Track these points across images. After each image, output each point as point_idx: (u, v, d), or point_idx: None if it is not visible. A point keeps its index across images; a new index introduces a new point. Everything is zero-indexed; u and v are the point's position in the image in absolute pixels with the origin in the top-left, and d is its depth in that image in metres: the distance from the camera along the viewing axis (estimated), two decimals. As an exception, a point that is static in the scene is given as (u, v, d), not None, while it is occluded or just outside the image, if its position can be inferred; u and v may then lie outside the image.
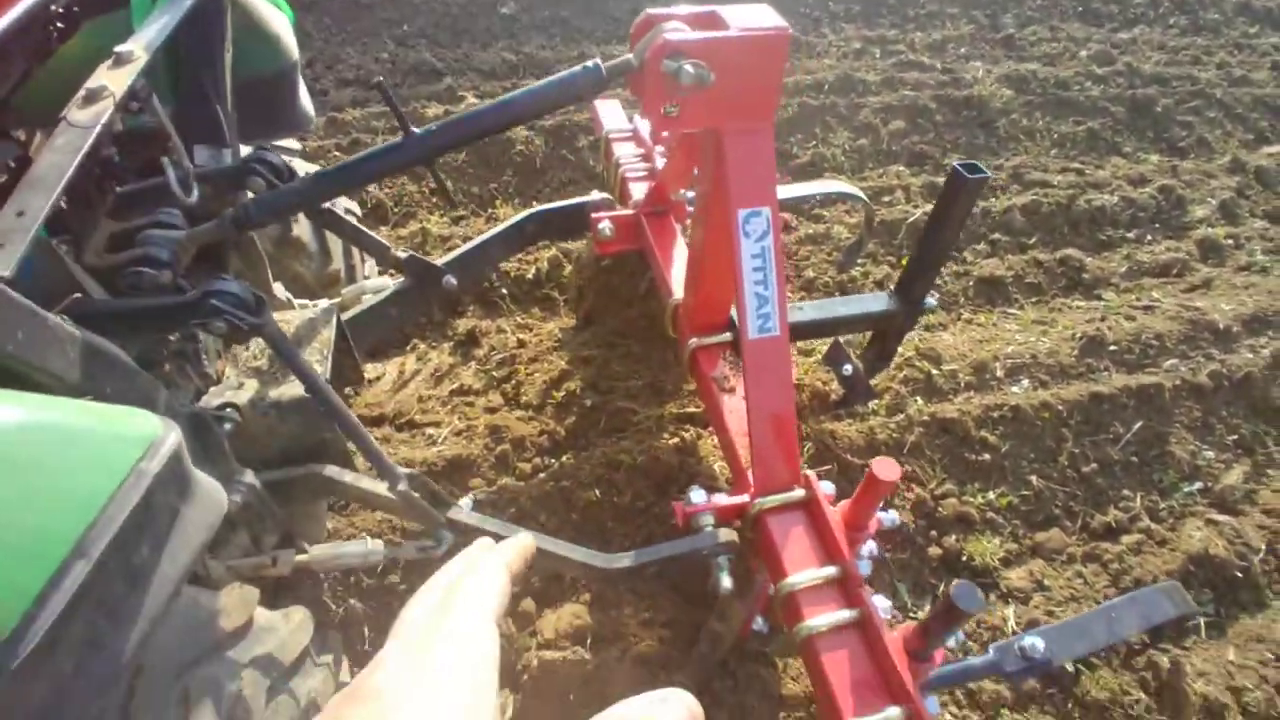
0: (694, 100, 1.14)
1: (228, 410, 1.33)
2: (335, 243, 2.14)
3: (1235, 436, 2.58)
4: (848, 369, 2.04)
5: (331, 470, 1.46)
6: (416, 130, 1.25)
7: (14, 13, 0.97)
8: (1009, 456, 2.32)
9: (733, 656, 1.83)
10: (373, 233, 1.79)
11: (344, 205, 2.06)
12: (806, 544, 1.36)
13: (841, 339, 2.09)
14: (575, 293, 2.62)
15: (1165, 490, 2.43)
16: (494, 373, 2.52)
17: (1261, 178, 4.02)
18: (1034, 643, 1.51)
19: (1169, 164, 4.04)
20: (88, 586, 0.70)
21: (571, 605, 1.90)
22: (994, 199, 3.46)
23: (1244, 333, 2.91)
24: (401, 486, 1.34)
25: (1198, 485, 2.44)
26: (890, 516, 1.41)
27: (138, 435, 0.74)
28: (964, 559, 2.14)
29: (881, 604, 1.28)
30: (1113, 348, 2.68)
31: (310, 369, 1.21)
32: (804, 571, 1.31)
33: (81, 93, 1.07)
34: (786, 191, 1.98)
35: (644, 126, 2.31)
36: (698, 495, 1.45)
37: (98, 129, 0.97)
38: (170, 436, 0.78)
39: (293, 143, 2.33)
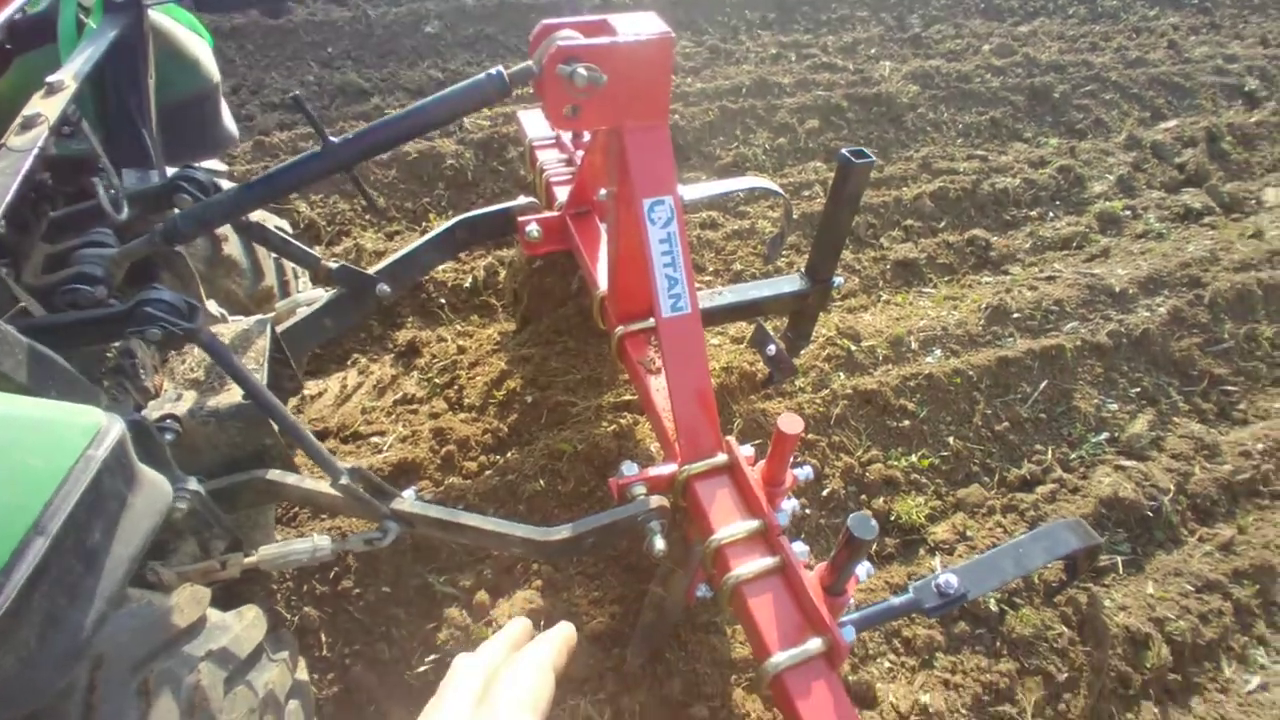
0: (590, 102, 1.25)
1: (168, 421, 1.38)
2: (268, 259, 2.17)
3: (1138, 389, 2.77)
4: (771, 349, 2.17)
5: (274, 474, 1.50)
6: (334, 139, 1.33)
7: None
8: (927, 421, 2.47)
9: (684, 627, 1.93)
10: (303, 246, 1.84)
11: (274, 224, 2.09)
12: (730, 503, 1.47)
13: (765, 322, 2.23)
14: (511, 296, 2.70)
15: (1074, 442, 2.60)
16: (436, 380, 2.57)
17: (1157, 152, 4.24)
18: (948, 579, 1.65)
19: (1068, 145, 4.28)
20: (46, 563, 0.76)
21: (524, 591, 1.96)
22: (905, 188, 3.66)
23: (1140, 294, 3.10)
24: (344, 481, 1.40)
25: (1104, 435, 2.62)
26: (804, 471, 1.53)
27: (85, 425, 0.81)
28: (893, 518, 2.28)
29: (799, 549, 1.40)
30: (1016, 315, 2.87)
31: (247, 372, 1.27)
32: (729, 526, 1.42)
33: (18, 120, 1.13)
34: (710, 189, 2.10)
35: (566, 134, 2.42)
36: (629, 468, 1.55)
37: (34, 151, 1.03)
38: (115, 428, 0.84)
39: (219, 165, 2.36)
